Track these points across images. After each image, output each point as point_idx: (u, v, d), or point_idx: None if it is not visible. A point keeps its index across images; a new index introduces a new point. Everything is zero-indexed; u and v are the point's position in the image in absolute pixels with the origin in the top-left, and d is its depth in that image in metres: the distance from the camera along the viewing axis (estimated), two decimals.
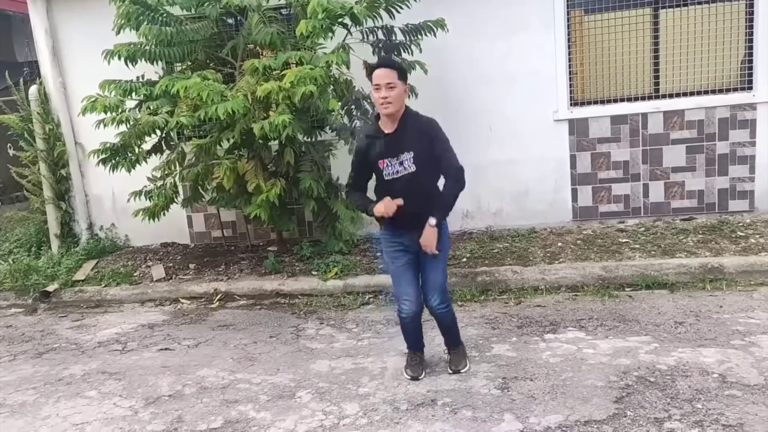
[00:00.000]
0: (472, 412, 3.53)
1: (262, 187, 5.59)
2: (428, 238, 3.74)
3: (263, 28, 5.57)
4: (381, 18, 5.87)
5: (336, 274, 5.92)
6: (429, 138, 3.76)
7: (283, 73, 5.28)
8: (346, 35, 5.83)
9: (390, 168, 3.76)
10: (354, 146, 4.17)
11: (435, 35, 5.97)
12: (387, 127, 3.77)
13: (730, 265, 5.27)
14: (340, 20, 5.49)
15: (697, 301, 4.88)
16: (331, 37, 5.54)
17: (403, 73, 3.75)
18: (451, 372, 4.01)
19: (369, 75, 3.78)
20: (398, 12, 5.88)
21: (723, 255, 5.46)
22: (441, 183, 3.86)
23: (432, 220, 3.72)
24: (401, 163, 3.73)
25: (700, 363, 3.86)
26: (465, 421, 3.45)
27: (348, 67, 5.63)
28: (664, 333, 4.34)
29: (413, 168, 3.72)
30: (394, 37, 6.06)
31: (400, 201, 3.70)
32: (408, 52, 6.04)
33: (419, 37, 6.01)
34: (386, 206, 3.71)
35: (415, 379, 3.98)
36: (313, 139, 6.16)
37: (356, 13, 5.28)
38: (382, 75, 3.64)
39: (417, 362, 4.09)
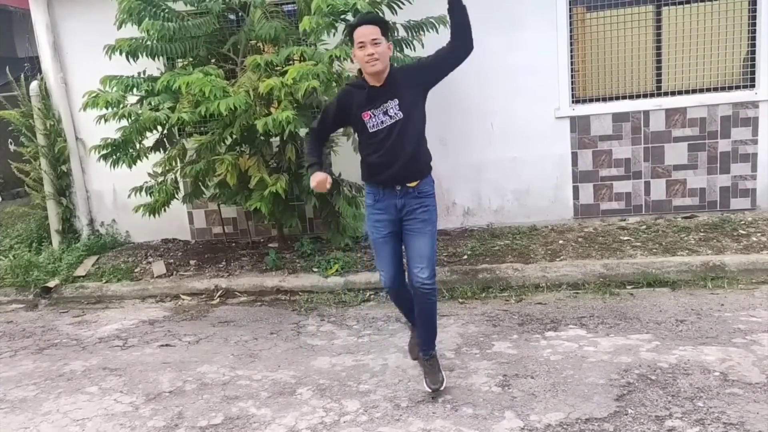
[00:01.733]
0: (472, 410, 3.52)
1: (267, 181, 5.58)
2: None
3: (266, 23, 5.56)
4: (383, 14, 5.86)
5: (337, 270, 5.91)
6: (415, 76, 3.63)
7: (285, 69, 5.27)
8: None
9: (375, 119, 3.57)
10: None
11: (437, 31, 5.95)
12: (373, 81, 3.60)
13: (731, 264, 5.26)
14: (342, 16, 5.48)
15: (698, 299, 4.88)
16: (334, 33, 5.53)
17: (386, 28, 3.58)
18: (430, 390, 3.70)
19: (349, 35, 3.58)
20: (400, 8, 5.87)
21: (724, 253, 5.45)
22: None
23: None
24: (386, 113, 3.55)
25: (701, 361, 3.85)
26: (466, 418, 3.45)
27: (352, 62, 5.62)
28: (666, 331, 4.34)
29: (400, 115, 3.54)
30: (396, 34, 6.04)
31: (328, 184, 3.60)
32: (410, 48, 6.03)
33: (421, 33, 5.99)
34: (318, 182, 3.58)
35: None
36: None
37: (360, 9, 5.26)
38: (366, 31, 3.46)
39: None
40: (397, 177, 3.63)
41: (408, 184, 3.64)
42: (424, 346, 3.82)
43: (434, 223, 3.73)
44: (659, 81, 6.40)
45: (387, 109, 3.56)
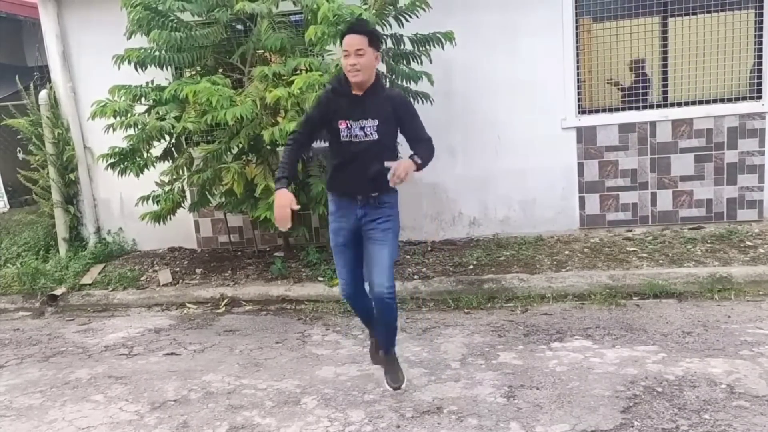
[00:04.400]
0: (477, 421, 3.51)
1: (272, 189, 5.59)
2: (405, 166, 3.47)
3: (273, 33, 5.59)
4: (390, 26, 5.89)
5: None
6: (398, 113, 3.66)
7: (292, 79, 5.29)
8: None
9: (349, 131, 3.60)
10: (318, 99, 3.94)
11: (443, 47, 5.98)
12: (355, 89, 3.63)
13: (738, 275, 5.24)
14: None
15: (705, 310, 4.86)
16: (340, 43, 5.55)
17: (374, 38, 3.60)
18: (392, 390, 3.88)
19: (341, 41, 3.63)
20: (407, 20, 5.89)
21: (731, 264, 5.43)
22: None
23: (417, 158, 3.58)
24: (362, 128, 3.58)
25: (708, 373, 3.83)
26: (471, 429, 3.43)
27: None
28: (672, 343, 4.32)
29: (375, 136, 3.58)
30: (403, 46, 6.06)
31: (293, 206, 3.56)
32: (417, 62, 6.04)
33: (428, 47, 6.00)
34: (279, 208, 3.58)
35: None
36: (320, 144, 6.16)
37: (366, 19, 5.29)
38: (351, 41, 3.50)
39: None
40: (359, 189, 3.68)
41: (369, 195, 3.68)
42: (385, 346, 3.96)
43: (395, 233, 3.77)
44: (666, 92, 6.40)
45: (364, 126, 3.59)
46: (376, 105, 3.61)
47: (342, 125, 3.62)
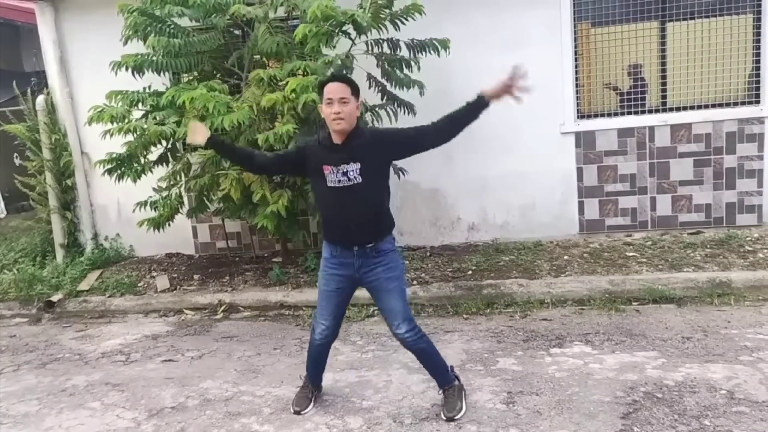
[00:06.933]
0: (477, 427, 3.49)
1: (268, 198, 5.58)
2: (501, 84, 3.86)
3: (269, 38, 5.58)
4: (386, 30, 5.87)
5: None
6: (387, 146, 3.61)
7: (287, 81, 5.28)
8: (351, 46, 5.83)
9: (333, 176, 3.52)
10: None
11: (438, 54, 5.96)
12: (336, 139, 3.57)
13: (738, 280, 5.23)
14: (343, 28, 5.50)
15: (704, 316, 4.84)
16: (334, 47, 5.55)
17: (356, 89, 3.55)
18: (445, 419, 3.61)
19: (320, 90, 3.57)
20: (404, 24, 5.88)
21: (731, 269, 5.42)
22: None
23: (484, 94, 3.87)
24: (345, 173, 3.49)
25: (707, 379, 3.82)
26: None
27: (350, 74, 5.62)
28: (672, 348, 4.30)
29: (359, 179, 3.48)
30: (398, 51, 6.05)
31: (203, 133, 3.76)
32: (410, 70, 6.01)
33: (422, 54, 5.98)
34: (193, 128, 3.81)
35: (297, 413, 3.82)
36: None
37: (358, 20, 5.26)
38: (335, 89, 3.45)
39: (305, 395, 3.92)
40: (352, 239, 3.60)
41: (365, 245, 3.59)
42: (439, 384, 3.80)
43: (399, 279, 3.68)
44: (664, 97, 6.40)
45: (347, 171, 3.50)
46: (358, 149, 3.53)
47: (326, 170, 3.54)
